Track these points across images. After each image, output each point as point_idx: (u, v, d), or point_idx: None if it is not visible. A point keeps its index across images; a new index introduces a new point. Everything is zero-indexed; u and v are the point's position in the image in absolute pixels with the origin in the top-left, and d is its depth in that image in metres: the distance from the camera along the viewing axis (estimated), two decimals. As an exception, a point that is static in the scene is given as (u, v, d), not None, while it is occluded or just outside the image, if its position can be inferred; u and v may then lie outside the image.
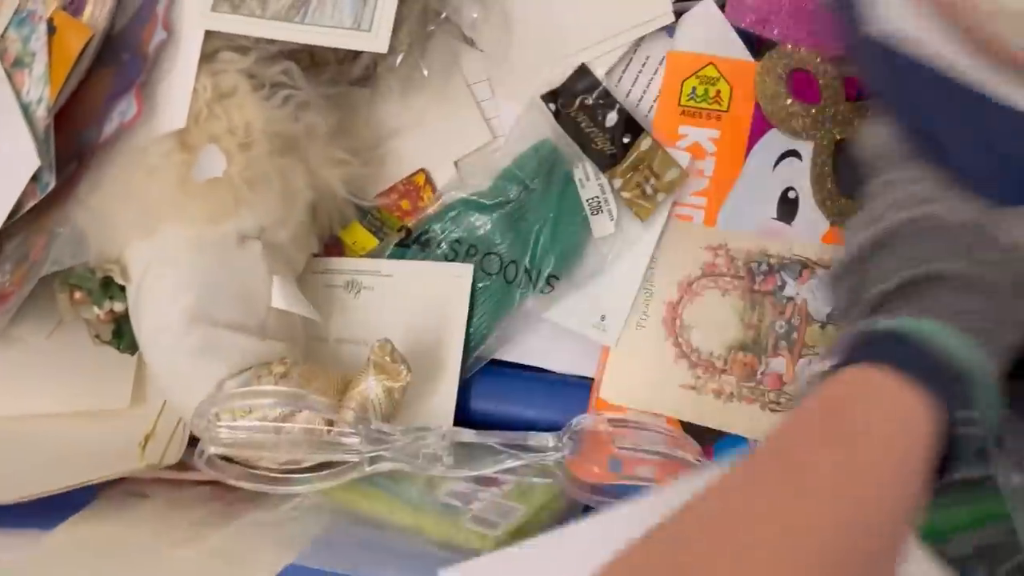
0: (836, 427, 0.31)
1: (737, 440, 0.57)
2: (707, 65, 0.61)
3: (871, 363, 0.33)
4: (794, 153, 0.60)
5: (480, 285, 0.63)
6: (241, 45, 0.59)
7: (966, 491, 0.46)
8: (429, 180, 0.67)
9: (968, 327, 0.35)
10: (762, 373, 0.58)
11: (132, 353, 0.61)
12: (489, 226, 0.64)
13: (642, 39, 0.64)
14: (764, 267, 0.59)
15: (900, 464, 0.30)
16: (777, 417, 0.56)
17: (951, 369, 0.33)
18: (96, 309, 0.59)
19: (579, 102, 0.63)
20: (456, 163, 0.67)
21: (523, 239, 0.63)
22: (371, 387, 0.56)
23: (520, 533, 0.49)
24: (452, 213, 0.65)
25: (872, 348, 0.34)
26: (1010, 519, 0.42)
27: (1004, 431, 0.38)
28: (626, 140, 0.62)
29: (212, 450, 0.54)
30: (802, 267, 0.58)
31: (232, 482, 0.54)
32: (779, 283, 0.58)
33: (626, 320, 0.61)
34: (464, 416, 0.61)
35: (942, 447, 0.32)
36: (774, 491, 0.28)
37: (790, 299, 0.58)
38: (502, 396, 0.62)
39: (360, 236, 0.67)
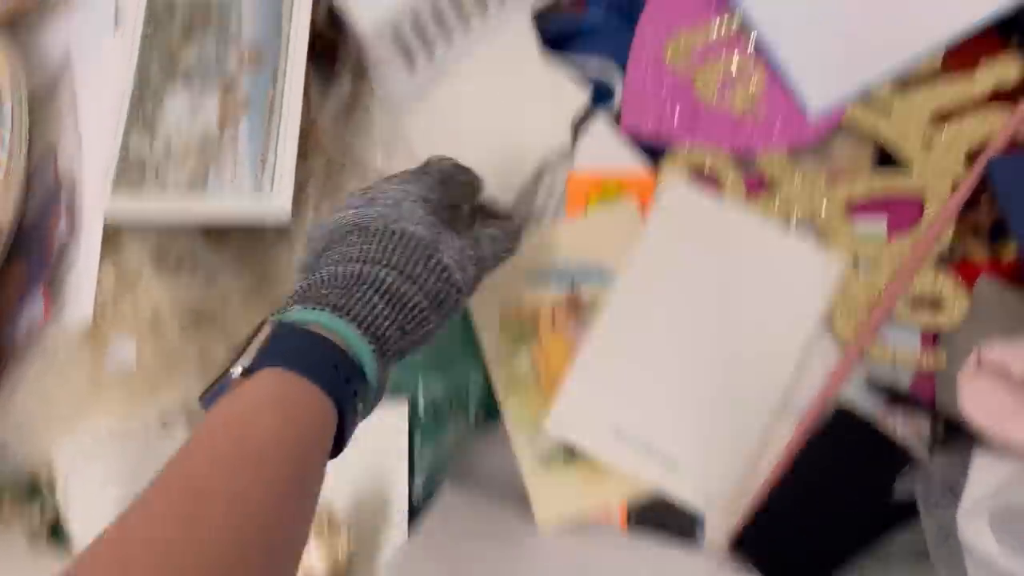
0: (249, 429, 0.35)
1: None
2: (609, 183, 0.61)
3: (279, 367, 0.37)
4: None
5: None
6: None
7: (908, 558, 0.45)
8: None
9: (374, 331, 0.39)
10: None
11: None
12: (407, 369, 0.62)
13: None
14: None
15: (311, 449, 0.36)
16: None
17: (348, 366, 0.38)
18: (31, 516, 0.58)
19: None
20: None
21: (448, 378, 0.62)
22: (314, 561, 0.55)
23: None
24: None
25: (280, 349, 0.37)
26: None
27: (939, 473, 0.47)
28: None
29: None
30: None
31: None
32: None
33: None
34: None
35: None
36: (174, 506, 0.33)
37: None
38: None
39: (296, 390, 0.66)
